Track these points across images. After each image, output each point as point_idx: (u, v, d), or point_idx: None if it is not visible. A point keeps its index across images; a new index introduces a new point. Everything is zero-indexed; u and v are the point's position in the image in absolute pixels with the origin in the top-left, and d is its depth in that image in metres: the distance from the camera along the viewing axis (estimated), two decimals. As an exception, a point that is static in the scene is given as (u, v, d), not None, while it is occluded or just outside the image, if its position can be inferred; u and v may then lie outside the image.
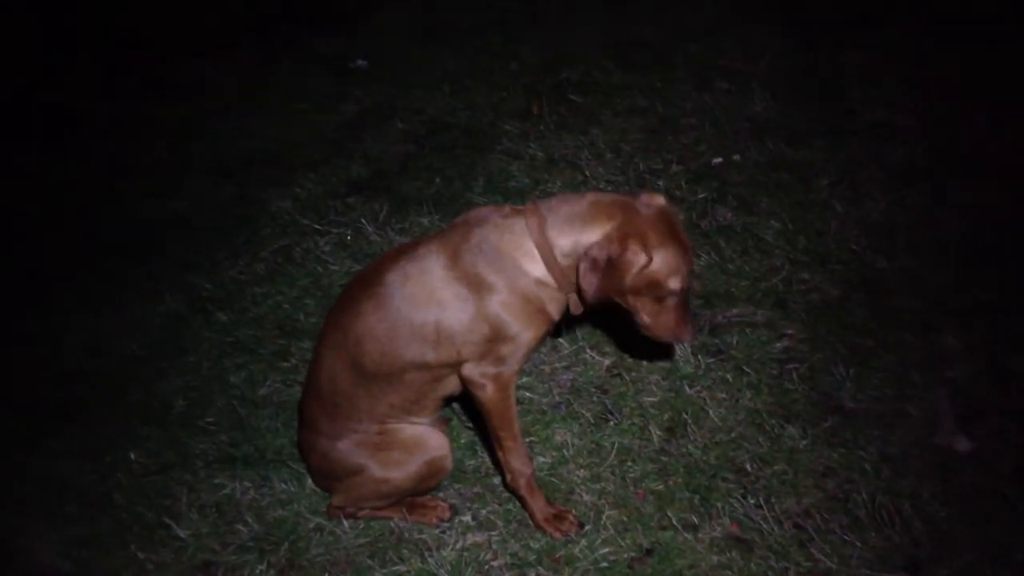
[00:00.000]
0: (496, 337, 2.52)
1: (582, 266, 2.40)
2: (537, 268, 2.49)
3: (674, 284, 2.49)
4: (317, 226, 4.20)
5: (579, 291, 2.48)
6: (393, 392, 2.65)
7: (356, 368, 2.63)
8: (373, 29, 6.09)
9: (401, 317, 2.55)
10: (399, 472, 2.71)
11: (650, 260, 2.42)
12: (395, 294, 2.55)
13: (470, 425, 3.18)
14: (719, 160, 4.37)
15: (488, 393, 2.59)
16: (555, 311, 2.58)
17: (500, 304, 2.49)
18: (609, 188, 4.21)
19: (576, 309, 2.58)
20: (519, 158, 4.53)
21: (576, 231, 2.44)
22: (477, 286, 2.49)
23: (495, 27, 5.88)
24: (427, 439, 2.73)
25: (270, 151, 4.86)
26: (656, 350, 3.32)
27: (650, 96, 4.92)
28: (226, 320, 3.73)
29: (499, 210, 2.58)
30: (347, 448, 2.72)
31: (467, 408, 3.16)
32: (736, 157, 4.38)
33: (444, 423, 3.07)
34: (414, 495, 2.86)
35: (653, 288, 2.50)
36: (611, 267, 2.40)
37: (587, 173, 4.32)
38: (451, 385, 2.70)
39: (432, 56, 5.59)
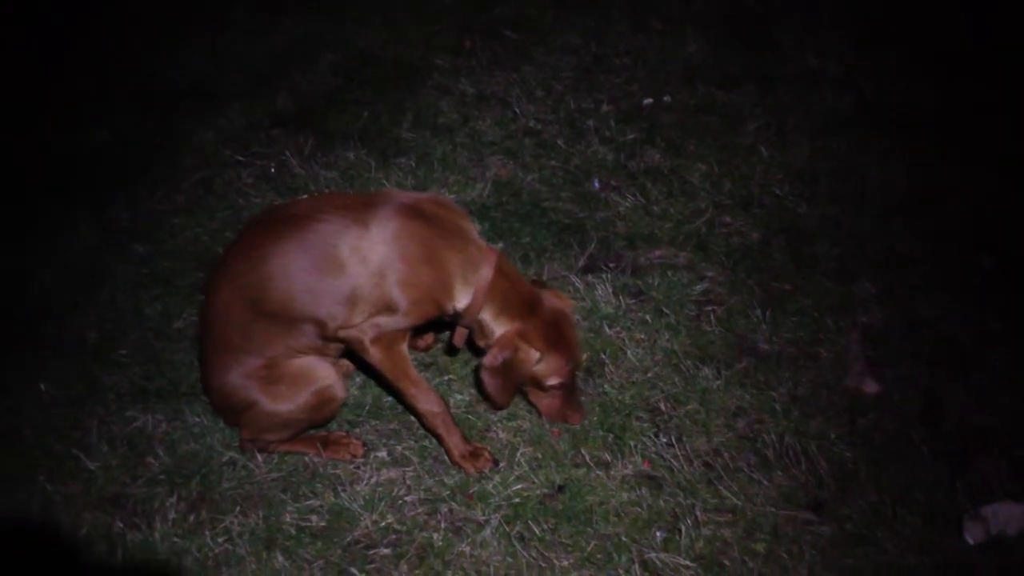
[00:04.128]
0: (384, 309, 2.56)
1: (484, 376, 2.69)
2: (461, 303, 2.64)
3: (553, 382, 2.76)
4: (240, 158, 4.10)
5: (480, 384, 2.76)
6: (292, 338, 2.64)
7: (255, 305, 2.58)
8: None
9: (325, 276, 2.52)
10: (289, 404, 2.70)
11: (539, 360, 2.69)
12: (326, 250, 2.51)
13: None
14: (649, 101, 4.36)
15: (374, 354, 2.64)
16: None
17: (412, 300, 2.56)
18: (539, 127, 4.18)
19: (458, 343, 2.80)
20: (449, 94, 4.46)
21: (497, 317, 2.68)
22: (406, 274, 2.52)
23: (430, -42, 5.74)
24: (313, 370, 2.71)
25: (195, 82, 4.72)
26: (578, 292, 3.34)
27: (584, 35, 4.86)
28: (143, 251, 3.65)
29: (475, 245, 2.65)
30: (237, 382, 2.70)
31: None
32: (667, 99, 4.37)
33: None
34: (314, 425, 2.86)
35: (536, 382, 2.77)
36: (507, 367, 2.67)
37: (517, 111, 4.27)
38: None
39: (364, -13, 5.46)
